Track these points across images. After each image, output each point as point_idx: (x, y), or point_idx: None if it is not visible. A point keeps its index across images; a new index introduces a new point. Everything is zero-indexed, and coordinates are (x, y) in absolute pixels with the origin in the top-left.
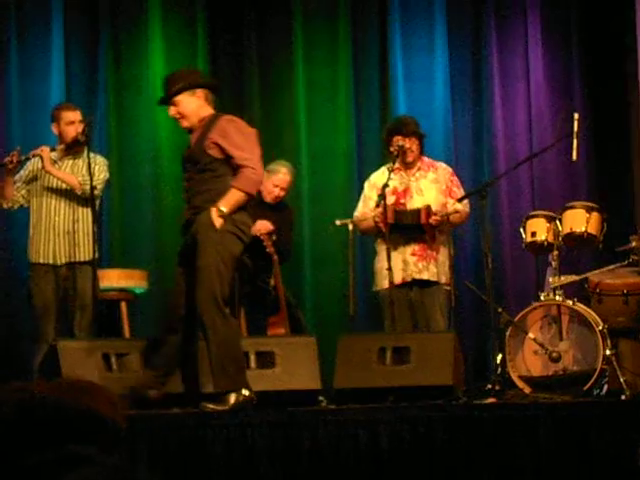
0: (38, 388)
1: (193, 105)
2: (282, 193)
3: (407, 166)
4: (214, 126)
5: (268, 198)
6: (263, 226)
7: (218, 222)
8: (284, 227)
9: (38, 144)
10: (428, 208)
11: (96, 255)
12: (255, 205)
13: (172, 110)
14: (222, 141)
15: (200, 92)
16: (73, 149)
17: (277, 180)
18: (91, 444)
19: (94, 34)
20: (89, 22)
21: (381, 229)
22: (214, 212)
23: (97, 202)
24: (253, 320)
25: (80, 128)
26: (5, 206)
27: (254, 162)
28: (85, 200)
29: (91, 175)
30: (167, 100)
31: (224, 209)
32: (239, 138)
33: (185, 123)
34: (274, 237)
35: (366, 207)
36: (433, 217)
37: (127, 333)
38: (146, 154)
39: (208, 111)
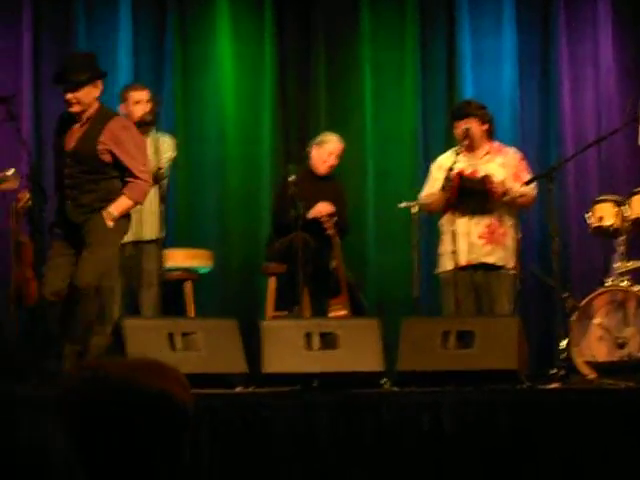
0: (110, 367)
1: (93, 95)
2: (336, 161)
3: (474, 149)
4: (105, 128)
5: (322, 169)
6: (324, 208)
7: (109, 224)
8: (339, 201)
9: None
10: (488, 177)
11: (163, 234)
12: (308, 180)
13: (69, 95)
14: (116, 149)
15: (100, 83)
16: (141, 128)
17: (331, 147)
18: (160, 425)
19: (161, 13)
20: (156, 1)
21: (450, 203)
22: (107, 215)
23: (164, 182)
24: (316, 301)
25: (147, 107)
26: None
27: (147, 174)
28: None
29: (158, 155)
30: (69, 83)
31: (115, 213)
32: (133, 148)
33: (77, 108)
34: (335, 218)
35: (432, 188)
36: (496, 192)
37: (192, 312)
38: (212, 134)
39: (97, 103)
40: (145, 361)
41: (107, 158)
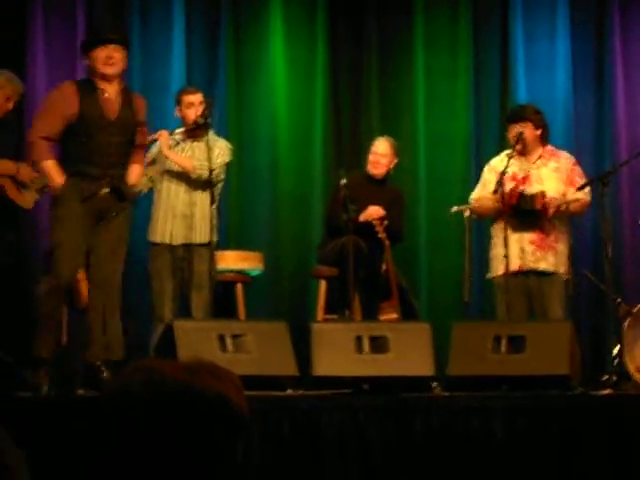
0: (168, 369)
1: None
2: (387, 164)
3: (526, 153)
4: (134, 100)
5: (373, 171)
6: (375, 211)
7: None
8: (394, 206)
9: (158, 127)
10: (542, 194)
11: (215, 238)
12: (363, 184)
13: (117, 52)
14: (143, 119)
15: None
16: (194, 132)
17: (379, 149)
18: (217, 429)
19: (215, 15)
20: (211, 4)
21: (501, 210)
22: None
23: (219, 185)
24: (367, 305)
25: (200, 110)
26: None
27: None
28: (204, 183)
29: (210, 158)
30: (119, 39)
31: None
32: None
33: (115, 70)
34: (386, 222)
35: (484, 190)
36: (549, 209)
37: (243, 315)
38: (264, 137)
39: None
40: (201, 363)
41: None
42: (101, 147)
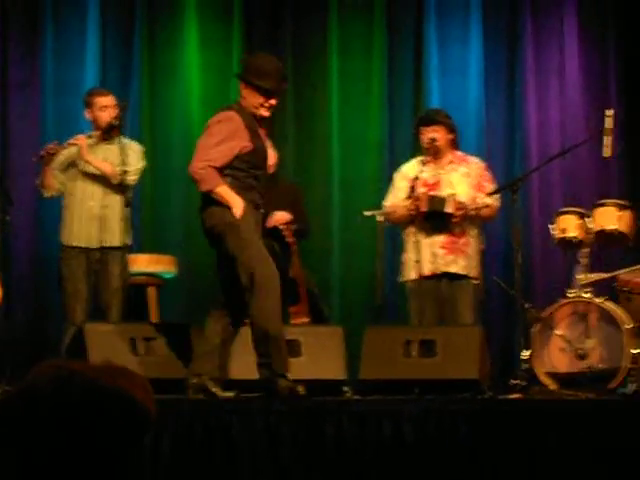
0: (75, 369)
1: None
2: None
3: (438, 159)
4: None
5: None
6: (282, 217)
7: None
8: (297, 205)
9: (71, 128)
10: (454, 197)
11: (129, 241)
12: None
13: (276, 101)
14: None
15: None
16: (108, 134)
17: None
18: (122, 428)
19: (130, 18)
20: (125, 6)
21: (413, 218)
22: None
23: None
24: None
25: (114, 113)
26: (47, 195)
27: None
28: (118, 186)
29: (123, 161)
30: (282, 90)
31: None
32: None
33: (269, 115)
34: (294, 226)
35: (395, 198)
36: (458, 211)
37: (155, 318)
38: (178, 140)
39: None
40: (109, 365)
41: None
42: (263, 178)
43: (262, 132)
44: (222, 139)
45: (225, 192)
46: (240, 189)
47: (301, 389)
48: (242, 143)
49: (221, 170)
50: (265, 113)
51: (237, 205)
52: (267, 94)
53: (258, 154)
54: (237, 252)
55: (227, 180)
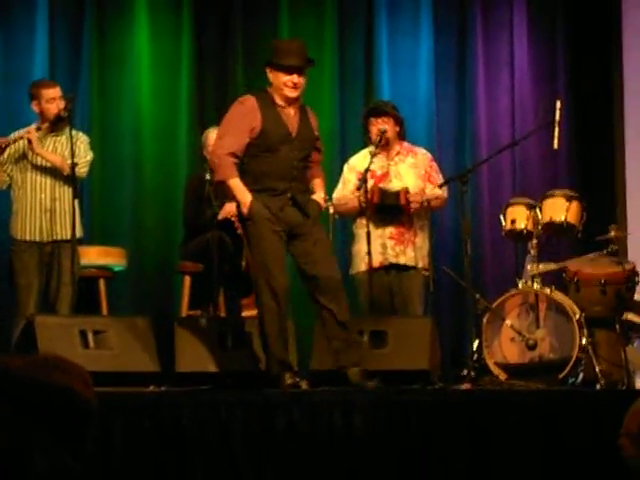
0: (12, 363)
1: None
2: None
3: (386, 150)
4: (310, 115)
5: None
6: (233, 208)
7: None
8: None
9: (20, 120)
10: (406, 190)
11: (79, 234)
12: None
13: (302, 79)
14: (319, 134)
15: None
16: (56, 126)
17: (207, 140)
18: (62, 421)
19: (79, 9)
20: None
21: (364, 210)
22: (323, 202)
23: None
24: (231, 300)
25: (62, 104)
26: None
27: None
28: (67, 178)
29: (73, 152)
30: (305, 66)
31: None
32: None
33: (299, 93)
34: None
35: (345, 190)
36: (412, 204)
37: (105, 310)
38: (128, 131)
39: None
40: (48, 357)
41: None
42: (285, 162)
43: (290, 113)
44: (234, 123)
45: (236, 186)
46: (252, 179)
47: (304, 384)
48: (253, 124)
49: (241, 158)
50: (291, 93)
51: (244, 203)
52: (288, 71)
53: (268, 136)
54: (249, 247)
55: (243, 169)
